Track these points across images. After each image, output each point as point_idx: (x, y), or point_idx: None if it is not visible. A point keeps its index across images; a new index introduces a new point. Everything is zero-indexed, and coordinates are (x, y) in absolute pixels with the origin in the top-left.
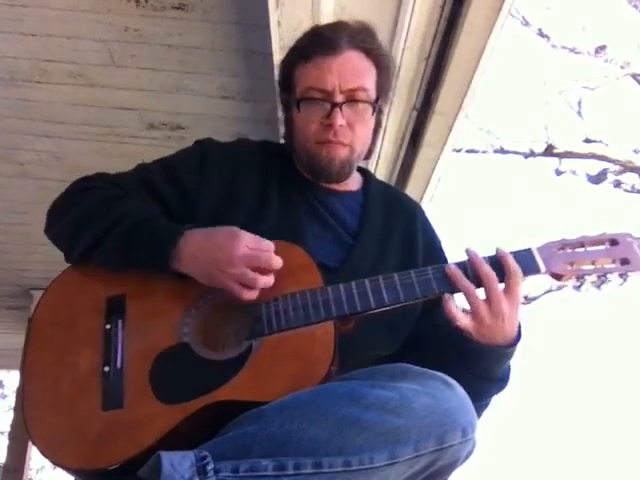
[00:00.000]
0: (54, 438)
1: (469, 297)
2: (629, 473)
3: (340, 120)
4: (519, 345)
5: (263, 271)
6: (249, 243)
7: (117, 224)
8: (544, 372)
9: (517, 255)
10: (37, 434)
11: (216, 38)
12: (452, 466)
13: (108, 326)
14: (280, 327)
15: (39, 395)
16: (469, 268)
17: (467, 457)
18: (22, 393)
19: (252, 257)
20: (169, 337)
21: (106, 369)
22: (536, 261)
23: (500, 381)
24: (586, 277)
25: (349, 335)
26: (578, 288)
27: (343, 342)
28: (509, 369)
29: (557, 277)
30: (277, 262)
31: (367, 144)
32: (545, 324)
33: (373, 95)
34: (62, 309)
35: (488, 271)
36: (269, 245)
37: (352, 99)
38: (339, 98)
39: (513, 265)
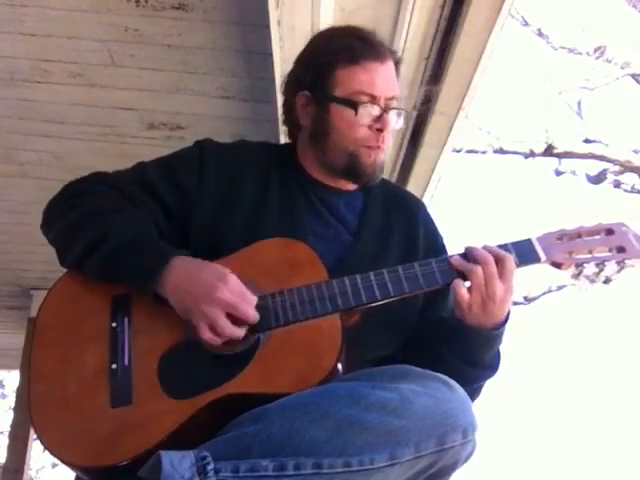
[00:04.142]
0: (62, 437)
1: (472, 276)
2: (630, 473)
3: (389, 125)
4: (504, 329)
5: (237, 321)
6: (234, 289)
7: (105, 239)
8: (544, 372)
9: (517, 245)
10: (45, 433)
11: (216, 38)
12: (452, 467)
13: (114, 324)
14: (287, 320)
15: (46, 395)
16: (469, 257)
17: (467, 458)
18: (28, 394)
19: (230, 304)
20: (176, 334)
21: (114, 366)
22: (536, 251)
23: (489, 367)
24: (585, 265)
25: (350, 335)
26: (577, 277)
27: (345, 342)
28: (498, 356)
29: (557, 266)
30: (254, 317)
31: None
32: (544, 324)
33: (398, 100)
34: (66, 310)
35: (486, 255)
36: (252, 298)
37: (391, 107)
38: (384, 104)
39: (502, 252)
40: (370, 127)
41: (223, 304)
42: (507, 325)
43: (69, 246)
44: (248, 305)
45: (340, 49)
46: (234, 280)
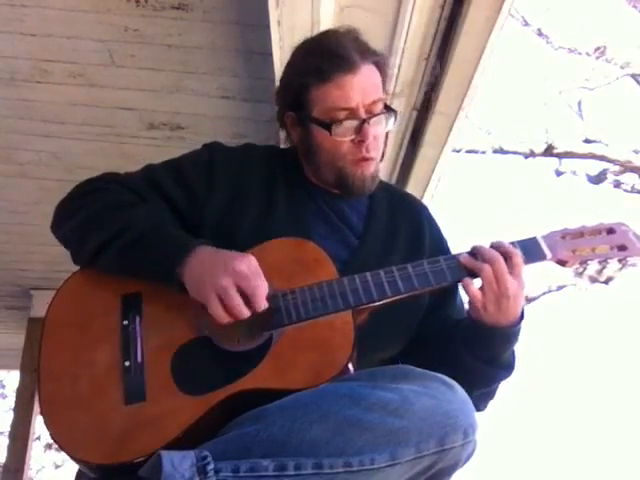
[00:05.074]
0: (76, 435)
1: (483, 274)
2: (629, 472)
3: (371, 135)
4: (521, 325)
5: (245, 300)
6: (251, 265)
7: (124, 231)
8: (543, 372)
9: (523, 243)
10: (58, 432)
11: (216, 38)
12: (453, 467)
13: (125, 322)
14: (300, 318)
15: (58, 394)
16: (477, 255)
17: (468, 459)
18: (39, 393)
19: (243, 273)
20: (188, 331)
21: (127, 364)
22: (542, 248)
23: (506, 367)
24: (589, 262)
25: (361, 335)
26: (580, 274)
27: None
28: (514, 355)
29: (562, 263)
30: (261, 303)
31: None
32: (544, 324)
33: (383, 101)
34: (75, 309)
35: (494, 253)
36: (266, 284)
37: (374, 113)
38: (363, 114)
39: (510, 248)
40: (352, 140)
41: (235, 273)
42: (523, 322)
43: (85, 240)
44: (261, 283)
45: (309, 70)
46: (255, 260)
